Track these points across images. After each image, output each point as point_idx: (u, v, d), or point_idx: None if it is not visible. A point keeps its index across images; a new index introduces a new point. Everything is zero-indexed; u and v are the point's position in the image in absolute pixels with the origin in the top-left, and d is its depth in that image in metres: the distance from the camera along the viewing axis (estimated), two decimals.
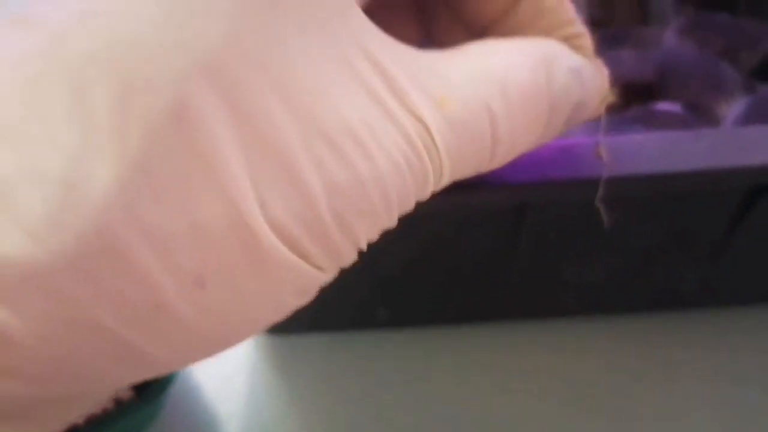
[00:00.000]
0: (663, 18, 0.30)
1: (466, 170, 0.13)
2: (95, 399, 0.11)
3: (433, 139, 0.11)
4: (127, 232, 0.09)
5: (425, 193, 0.12)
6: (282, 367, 0.27)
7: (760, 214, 0.20)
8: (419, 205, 0.17)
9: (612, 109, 0.26)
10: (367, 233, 0.11)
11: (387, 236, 0.21)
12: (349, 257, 0.11)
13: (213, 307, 0.10)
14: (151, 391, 0.23)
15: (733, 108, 0.26)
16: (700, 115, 0.27)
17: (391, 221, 0.12)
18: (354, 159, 0.10)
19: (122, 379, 0.10)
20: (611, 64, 0.30)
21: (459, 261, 0.23)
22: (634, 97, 0.29)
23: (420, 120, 0.11)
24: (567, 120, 0.14)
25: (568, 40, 0.15)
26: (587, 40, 0.15)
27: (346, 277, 0.23)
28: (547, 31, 0.15)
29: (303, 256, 0.10)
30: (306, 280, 0.11)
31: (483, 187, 0.18)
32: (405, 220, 0.20)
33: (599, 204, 0.17)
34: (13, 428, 0.10)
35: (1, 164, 0.08)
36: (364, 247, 0.12)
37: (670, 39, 0.28)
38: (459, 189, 0.17)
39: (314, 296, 0.12)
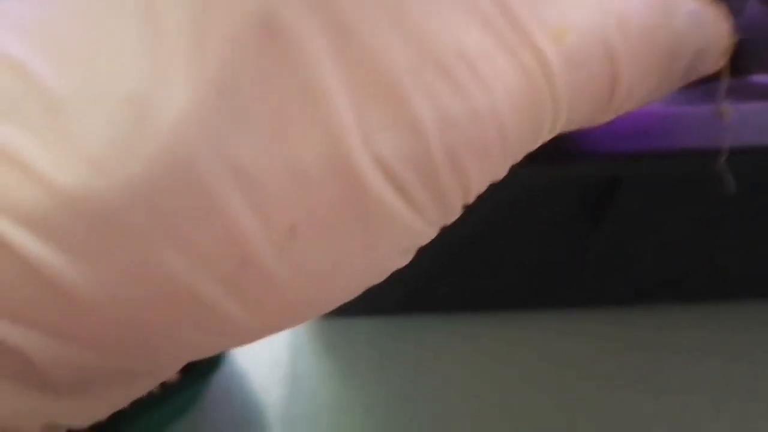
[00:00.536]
0: None
1: (583, 116, 0.12)
2: (162, 375, 0.10)
3: (552, 74, 0.10)
4: (207, 162, 0.07)
5: (539, 138, 0.11)
6: (329, 353, 0.26)
7: None
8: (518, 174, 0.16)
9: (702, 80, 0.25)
10: (479, 180, 0.10)
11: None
12: (456, 209, 0.10)
13: (308, 264, 0.09)
14: (197, 373, 0.22)
15: None
16: None
17: (503, 167, 0.11)
18: (469, 88, 0.09)
19: (196, 349, 0.09)
20: None
21: (531, 239, 0.21)
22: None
23: (539, 52, 0.10)
24: (687, 70, 0.13)
25: None
26: None
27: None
28: None
29: (412, 203, 0.09)
30: (411, 234, 0.10)
31: (572, 156, 0.16)
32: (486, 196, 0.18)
33: (721, 170, 0.15)
34: (69, 403, 0.08)
35: (59, 84, 0.07)
36: (471, 199, 0.11)
37: (754, 6, 0.26)
38: (543, 156, 0.15)
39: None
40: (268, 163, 0.08)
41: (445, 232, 0.20)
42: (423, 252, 0.21)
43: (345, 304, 0.28)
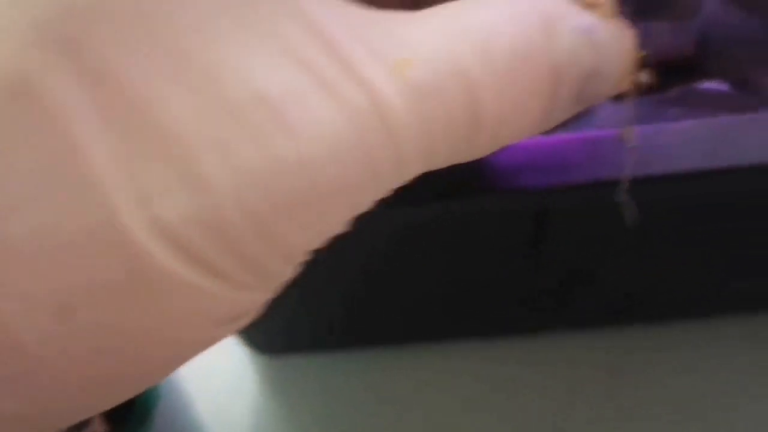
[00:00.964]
0: None
1: (444, 153, 0.10)
2: None
3: (388, 110, 0.09)
4: None
5: (385, 183, 0.10)
6: (277, 389, 0.25)
7: None
8: (420, 211, 0.15)
9: (646, 91, 0.23)
10: (302, 236, 0.09)
11: (387, 245, 0.18)
12: (281, 270, 0.09)
13: (89, 346, 0.08)
14: (129, 424, 0.21)
15: None
16: (751, 94, 0.23)
17: (335, 221, 0.09)
18: (271, 137, 0.08)
19: None
20: (643, 38, 0.26)
21: (470, 272, 0.20)
22: (671, 77, 0.25)
23: (368, 87, 0.09)
24: (579, 95, 0.12)
25: None
26: None
27: (340, 291, 0.21)
28: None
29: (210, 271, 0.08)
30: (221, 303, 0.09)
31: (495, 192, 0.15)
32: (406, 227, 0.17)
33: (622, 203, 0.14)
34: None
35: None
36: (299, 257, 0.09)
37: (713, 4, 0.24)
38: (465, 193, 0.14)
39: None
40: (25, 235, 0.07)
41: (376, 272, 0.20)
42: (356, 286, 0.21)
43: (288, 342, 0.27)
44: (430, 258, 0.19)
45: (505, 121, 0.10)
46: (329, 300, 0.21)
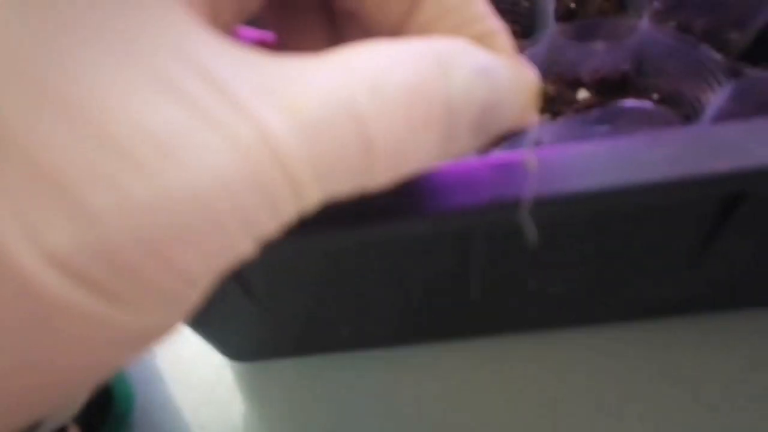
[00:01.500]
0: (640, 7, 0.27)
1: (342, 184, 0.11)
2: None
3: (279, 146, 0.09)
4: None
5: (285, 213, 0.10)
6: (253, 393, 0.26)
7: (740, 221, 0.18)
8: (355, 232, 0.16)
9: (578, 110, 0.24)
10: (201, 263, 0.09)
11: (340, 263, 0.19)
12: (183, 294, 0.09)
13: None
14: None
15: (716, 96, 0.23)
16: (680, 106, 0.24)
17: (236, 247, 0.10)
18: (158, 169, 0.08)
19: None
20: (583, 57, 0.28)
21: (412, 284, 0.21)
22: (609, 93, 0.27)
23: (255, 122, 0.09)
24: (477, 128, 0.13)
25: (481, 39, 0.14)
26: (502, 37, 0.14)
27: (308, 303, 0.22)
28: (454, 31, 0.14)
29: (108, 298, 0.08)
30: (126, 328, 0.09)
31: (414, 216, 0.16)
32: (350, 249, 0.18)
33: (523, 222, 0.15)
34: None
35: None
36: (201, 280, 0.10)
37: (646, 25, 0.26)
38: (388, 217, 0.15)
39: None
40: None
41: (337, 285, 0.21)
42: (322, 301, 0.22)
43: (261, 348, 0.28)
44: (371, 275, 0.20)
45: (400, 153, 0.11)
46: (291, 312, 0.22)
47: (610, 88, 0.26)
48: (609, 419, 0.23)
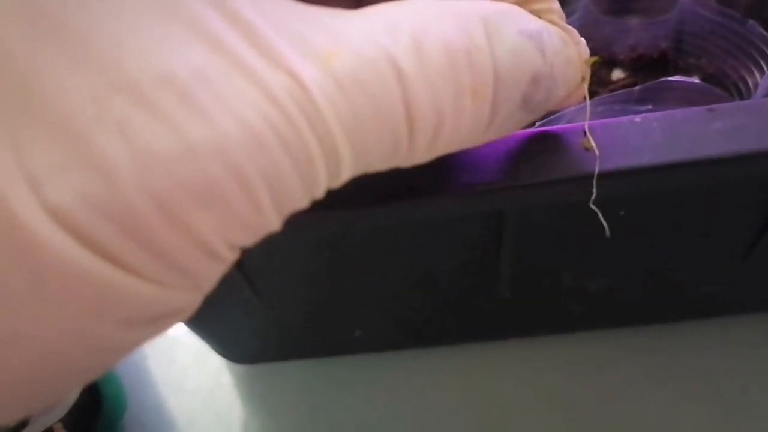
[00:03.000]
0: None
1: (377, 151, 0.10)
2: None
3: (312, 100, 0.08)
4: None
5: (315, 178, 0.09)
6: (255, 398, 0.25)
7: None
8: (377, 213, 0.14)
9: (614, 91, 0.23)
10: (220, 230, 0.08)
11: (354, 252, 0.18)
12: (202, 266, 0.08)
13: None
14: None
15: (765, 76, 0.22)
16: (723, 87, 0.22)
17: (261, 215, 0.09)
18: (179, 120, 0.08)
19: None
20: (618, 34, 0.26)
21: (434, 277, 0.20)
22: (646, 73, 0.25)
23: (292, 75, 0.08)
24: (525, 100, 0.11)
25: (527, 4, 0.12)
26: (552, 3, 0.12)
27: (317, 299, 0.20)
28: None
29: (113, 260, 0.07)
30: (128, 299, 0.08)
31: (448, 194, 0.14)
32: (369, 234, 0.17)
33: (594, 207, 0.13)
34: None
35: None
36: (222, 251, 0.09)
37: (686, 0, 0.24)
38: (417, 196, 0.14)
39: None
40: None
41: (350, 280, 0.19)
42: (332, 299, 0.20)
43: (262, 351, 0.26)
44: (391, 265, 0.18)
45: (442, 122, 0.10)
46: (297, 309, 0.21)
47: (647, 67, 0.25)
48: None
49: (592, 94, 0.23)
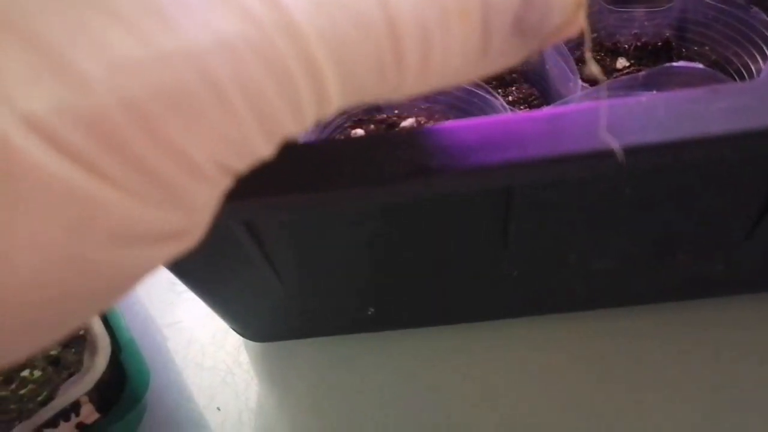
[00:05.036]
0: None
1: (363, 71, 0.09)
2: None
3: (287, 14, 0.08)
4: None
5: (301, 100, 0.09)
6: (272, 375, 0.25)
7: None
8: (390, 192, 0.15)
9: (621, 76, 0.23)
10: (204, 147, 0.08)
11: (368, 231, 0.18)
12: (181, 180, 0.08)
13: None
14: (116, 411, 0.22)
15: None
16: (728, 74, 0.23)
17: (242, 131, 0.08)
18: (149, 28, 0.08)
19: None
20: (622, 22, 0.26)
21: (445, 255, 0.20)
22: (650, 62, 0.26)
23: None
24: (520, 27, 0.11)
25: None
26: None
27: (333, 278, 0.20)
28: None
29: (94, 171, 0.07)
30: (114, 214, 0.08)
31: (456, 171, 0.15)
32: (381, 211, 0.17)
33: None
34: None
35: None
36: (207, 169, 0.08)
37: None
38: (426, 174, 0.14)
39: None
40: None
41: (363, 259, 0.20)
42: (346, 278, 0.21)
43: (285, 328, 0.27)
44: (404, 242, 0.19)
45: (431, 47, 0.10)
46: (315, 287, 0.22)
47: (651, 56, 0.25)
48: (657, 408, 0.22)
49: (596, 83, 0.24)
